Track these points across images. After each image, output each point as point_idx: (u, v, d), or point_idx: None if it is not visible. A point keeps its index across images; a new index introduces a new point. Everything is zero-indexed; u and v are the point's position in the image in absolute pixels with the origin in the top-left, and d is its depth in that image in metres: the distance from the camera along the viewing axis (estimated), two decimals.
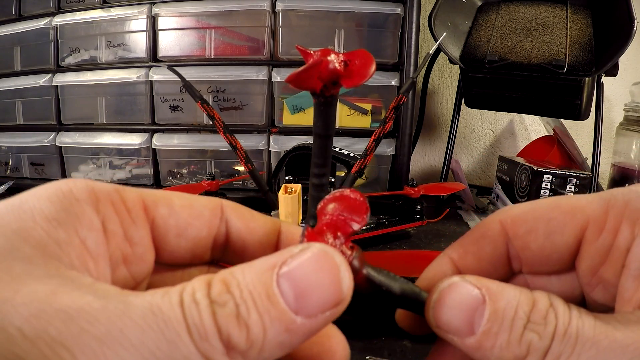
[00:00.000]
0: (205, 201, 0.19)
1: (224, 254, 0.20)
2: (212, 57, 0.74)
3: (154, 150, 0.76)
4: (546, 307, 0.15)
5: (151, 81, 0.74)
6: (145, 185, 0.78)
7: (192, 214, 0.18)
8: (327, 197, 0.17)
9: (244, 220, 0.19)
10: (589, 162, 0.74)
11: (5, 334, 0.12)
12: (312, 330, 0.13)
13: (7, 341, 0.11)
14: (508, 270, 0.20)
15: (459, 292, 0.16)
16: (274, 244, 0.19)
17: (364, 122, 0.74)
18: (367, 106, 0.73)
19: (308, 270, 0.14)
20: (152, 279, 0.19)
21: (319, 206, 0.16)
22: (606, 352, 0.14)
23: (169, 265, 0.19)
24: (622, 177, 0.79)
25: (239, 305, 0.13)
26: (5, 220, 0.14)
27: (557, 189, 0.67)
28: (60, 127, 0.79)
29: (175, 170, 0.78)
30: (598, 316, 0.15)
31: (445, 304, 0.16)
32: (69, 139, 0.78)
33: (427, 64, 0.82)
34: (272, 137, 0.73)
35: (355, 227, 0.16)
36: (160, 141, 0.75)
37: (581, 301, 0.20)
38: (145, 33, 0.74)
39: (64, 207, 0.15)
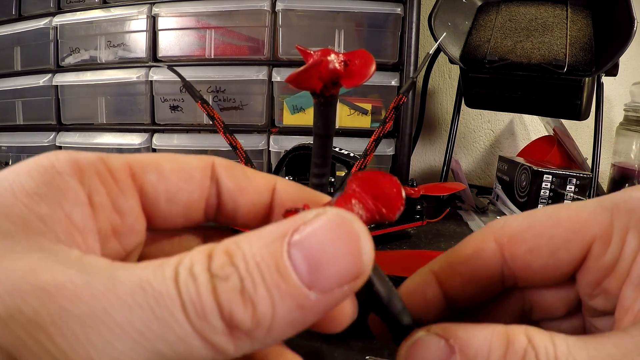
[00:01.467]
0: (196, 162, 0.18)
1: (217, 214, 0.18)
2: (212, 57, 0.74)
3: (154, 150, 0.76)
4: (523, 346, 0.14)
5: (151, 81, 0.74)
6: None
7: (182, 177, 0.17)
8: (359, 174, 0.15)
9: (235, 180, 0.18)
10: (589, 162, 0.74)
11: None
12: (327, 307, 0.12)
13: None
14: (499, 288, 0.19)
15: (425, 348, 0.15)
16: (267, 203, 0.18)
17: (364, 122, 0.74)
18: (367, 106, 0.73)
19: (324, 239, 0.12)
20: (145, 248, 0.18)
21: (348, 180, 0.15)
22: None
23: (162, 232, 0.18)
24: (622, 177, 0.79)
25: (244, 279, 0.11)
26: None
27: (557, 189, 0.67)
28: (60, 127, 0.79)
29: None
30: (590, 345, 0.14)
31: None
32: (69, 139, 0.78)
33: (427, 64, 0.82)
34: (272, 137, 0.73)
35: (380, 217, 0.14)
36: (160, 141, 0.75)
37: (577, 305, 0.19)
38: (145, 33, 0.74)
39: (45, 181, 0.14)
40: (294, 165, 0.57)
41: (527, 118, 1.00)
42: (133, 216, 0.16)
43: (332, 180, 0.55)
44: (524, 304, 0.20)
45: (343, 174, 0.65)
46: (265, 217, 0.18)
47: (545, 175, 0.67)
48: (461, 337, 0.15)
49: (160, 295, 0.11)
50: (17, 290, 0.11)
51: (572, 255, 0.17)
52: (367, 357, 0.31)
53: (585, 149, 0.89)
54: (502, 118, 1.00)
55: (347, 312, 0.16)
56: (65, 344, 0.10)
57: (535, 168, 0.68)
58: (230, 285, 0.11)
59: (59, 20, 0.77)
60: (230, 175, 0.18)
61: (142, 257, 0.18)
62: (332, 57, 0.17)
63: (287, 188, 0.18)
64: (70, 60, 0.78)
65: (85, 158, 0.15)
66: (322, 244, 0.12)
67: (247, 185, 0.18)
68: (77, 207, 0.14)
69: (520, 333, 0.14)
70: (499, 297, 0.20)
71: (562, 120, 0.85)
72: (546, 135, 0.90)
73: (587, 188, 0.66)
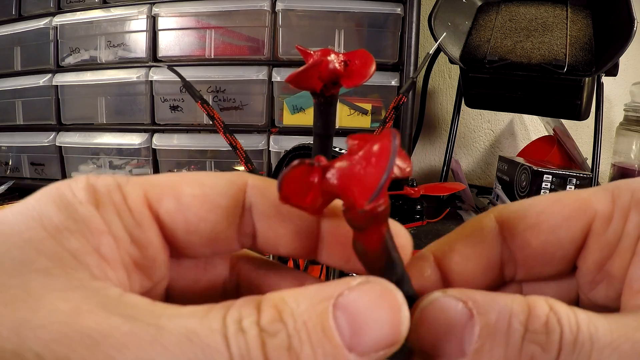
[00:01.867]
0: (223, 186, 0.16)
1: (254, 243, 0.17)
2: (212, 57, 0.74)
3: (154, 150, 0.76)
4: (545, 312, 0.14)
5: (151, 81, 0.74)
6: None
7: (205, 206, 0.15)
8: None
9: (273, 205, 0.16)
10: (589, 162, 0.74)
11: None
12: None
13: None
14: (499, 277, 0.18)
15: (442, 310, 0.14)
16: (314, 230, 0.16)
17: (364, 122, 0.74)
18: (367, 106, 0.73)
19: (368, 306, 0.12)
20: (172, 273, 0.17)
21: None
22: (632, 358, 0.13)
23: (189, 258, 0.17)
24: (622, 177, 0.79)
25: (292, 337, 0.12)
26: (14, 229, 0.13)
27: (557, 189, 0.67)
28: (60, 127, 0.79)
29: (175, 171, 0.78)
30: (609, 317, 0.14)
31: (428, 324, 0.14)
32: (69, 139, 0.78)
33: (427, 64, 0.82)
34: (272, 137, 0.73)
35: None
36: (160, 141, 0.75)
37: (575, 305, 0.19)
38: (145, 33, 0.74)
39: (70, 213, 0.13)
40: None
41: (527, 118, 1.00)
42: (153, 249, 0.15)
43: None
44: None
45: None
46: (311, 246, 0.17)
47: (545, 175, 0.67)
48: (480, 302, 0.14)
49: (208, 348, 0.11)
50: (64, 337, 0.11)
51: (573, 233, 0.17)
52: None
53: (585, 149, 0.89)
54: (502, 118, 1.00)
55: None
56: None
57: (535, 168, 0.68)
58: (279, 342, 0.11)
59: (59, 20, 0.77)
60: (266, 200, 0.16)
61: (170, 285, 0.17)
62: (332, 57, 0.17)
63: (338, 213, 0.16)
64: (70, 60, 0.78)
65: (103, 184, 0.14)
66: (366, 311, 0.12)
67: (289, 210, 0.16)
68: (103, 239, 0.14)
69: (541, 300, 0.14)
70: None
71: (562, 120, 0.85)
72: (546, 135, 0.90)
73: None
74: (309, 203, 0.14)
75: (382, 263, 0.14)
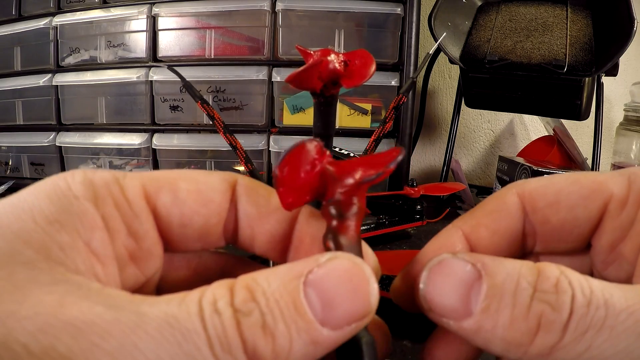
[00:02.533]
0: (216, 182, 0.17)
1: (235, 239, 0.18)
2: (212, 57, 0.74)
3: (154, 150, 0.76)
4: (556, 275, 0.13)
5: (151, 81, 0.74)
6: None
7: (199, 200, 0.16)
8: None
9: (257, 205, 0.17)
10: (589, 162, 0.74)
11: (10, 351, 0.11)
12: (336, 343, 0.13)
13: (12, 359, 0.11)
14: (520, 248, 0.19)
15: (450, 269, 0.14)
16: (287, 234, 0.17)
17: (364, 122, 0.74)
18: (367, 106, 0.73)
19: (337, 280, 0.13)
20: (163, 271, 0.17)
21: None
22: None
23: (179, 253, 0.18)
24: None
25: (265, 314, 0.12)
26: (4, 220, 0.13)
27: None
28: (60, 127, 0.79)
29: None
30: (622, 286, 0.13)
31: (436, 283, 0.14)
32: (69, 139, 0.78)
33: (427, 64, 0.82)
34: (272, 137, 0.73)
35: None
36: (160, 141, 0.75)
37: None
38: (145, 33, 0.74)
39: (64, 207, 0.14)
40: None
41: (527, 118, 1.00)
42: (149, 240, 0.16)
43: None
44: None
45: None
46: (283, 250, 0.18)
47: (545, 175, 0.67)
48: (489, 264, 0.14)
49: (186, 330, 0.11)
50: (49, 327, 0.11)
51: (590, 213, 0.17)
52: None
53: (585, 149, 0.89)
54: (502, 118, 1.00)
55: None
56: None
57: (535, 168, 0.68)
58: (253, 320, 0.12)
59: (59, 20, 0.76)
60: (251, 200, 0.17)
61: (161, 281, 0.18)
62: (332, 57, 0.17)
63: (310, 222, 0.17)
64: (70, 60, 0.78)
65: (101, 179, 0.15)
66: (335, 285, 0.13)
67: (268, 213, 0.17)
68: (95, 233, 0.14)
69: (551, 265, 0.14)
70: None
71: (562, 120, 0.85)
72: (546, 135, 0.90)
73: None
74: (304, 180, 0.15)
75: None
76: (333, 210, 0.15)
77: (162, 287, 0.18)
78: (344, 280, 0.13)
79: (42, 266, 0.12)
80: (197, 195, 0.16)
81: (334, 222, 0.15)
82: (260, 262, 0.20)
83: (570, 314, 0.13)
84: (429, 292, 0.15)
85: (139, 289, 0.16)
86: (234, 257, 0.20)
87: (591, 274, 0.19)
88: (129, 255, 0.15)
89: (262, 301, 0.12)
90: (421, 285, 0.15)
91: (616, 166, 0.80)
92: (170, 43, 0.75)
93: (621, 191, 0.17)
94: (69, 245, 0.13)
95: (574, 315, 0.13)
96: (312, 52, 0.17)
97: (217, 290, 0.12)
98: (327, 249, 0.15)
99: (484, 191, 0.86)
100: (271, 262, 0.23)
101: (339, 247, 0.15)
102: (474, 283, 0.14)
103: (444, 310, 0.14)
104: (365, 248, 0.17)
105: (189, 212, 0.16)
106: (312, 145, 0.15)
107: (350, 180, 0.15)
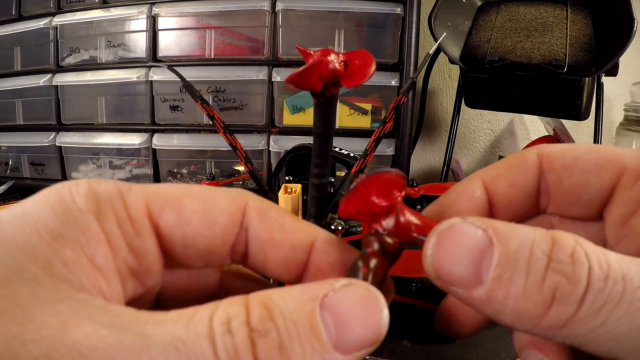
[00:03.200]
0: (225, 203, 0.16)
1: (244, 261, 0.17)
2: (212, 57, 0.74)
3: (154, 150, 0.76)
4: (571, 244, 0.13)
5: (151, 81, 0.74)
6: None
7: (204, 221, 0.16)
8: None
9: (269, 229, 0.16)
10: None
11: None
12: None
13: None
14: (535, 205, 0.19)
15: (460, 235, 0.14)
16: (303, 261, 0.17)
17: (364, 122, 0.74)
18: (367, 106, 0.73)
19: (352, 306, 0.13)
20: (164, 280, 0.17)
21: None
22: None
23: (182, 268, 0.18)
24: None
25: (282, 335, 0.12)
26: (8, 233, 0.13)
27: None
28: (60, 127, 0.79)
29: (175, 170, 0.78)
30: (634, 258, 0.13)
31: (445, 249, 0.14)
32: (69, 139, 0.78)
33: (427, 64, 0.82)
34: (272, 137, 0.73)
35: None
36: (160, 141, 0.75)
37: None
38: (145, 33, 0.74)
39: (68, 220, 0.13)
40: (294, 165, 0.57)
41: (527, 118, 1.00)
42: (150, 258, 0.15)
43: (332, 180, 0.55)
44: None
45: (343, 174, 0.65)
46: (298, 275, 0.17)
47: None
48: (501, 230, 0.13)
49: (194, 355, 0.11)
50: (53, 352, 0.11)
51: (602, 182, 0.17)
52: (367, 357, 0.31)
53: None
54: (502, 118, 1.00)
55: None
56: None
57: None
58: (270, 341, 0.11)
59: (59, 20, 0.76)
60: (263, 224, 0.16)
61: (161, 292, 0.17)
62: (332, 57, 0.17)
63: (327, 249, 0.17)
64: (70, 60, 0.78)
65: (105, 192, 0.15)
66: (350, 310, 0.13)
67: (282, 239, 0.16)
68: (99, 249, 0.14)
69: (566, 235, 0.13)
70: (524, 223, 0.20)
71: (562, 120, 0.85)
72: (546, 135, 0.90)
73: None
74: (375, 205, 0.16)
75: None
76: (376, 245, 0.16)
77: (162, 294, 0.18)
78: (358, 307, 0.13)
79: (46, 283, 0.12)
80: (203, 215, 0.16)
81: (370, 250, 0.16)
82: (262, 275, 0.20)
83: (587, 287, 0.12)
84: (437, 259, 0.14)
85: (139, 299, 0.16)
86: (236, 271, 0.20)
87: (604, 247, 0.19)
88: (129, 270, 0.15)
89: (279, 321, 0.12)
90: (429, 252, 0.14)
91: None
92: (170, 43, 0.75)
93: (636, 165, 0.17)
94: (73, 260, 0.13)
95: (590, 288, 0.12)
96: (312, 52, 0.17)
97: (231, 308, 0.12)
98: (352, 270, 0.15)
99: None
100: (271, 280, 0.23)
101: (366, 270, 0.15)
102: (486, 250, 0.13)
103: (453, 278, 0.14)
104: (388, 281, 0.17)
105: (192, 233, 0.16)
106: (400, 180, 0.16)
107: (407, 233, 0.16)
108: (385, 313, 0.13)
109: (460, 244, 0.14)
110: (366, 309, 0.13)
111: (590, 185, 0.18)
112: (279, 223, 0.17)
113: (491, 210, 0.19)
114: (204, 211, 0.16)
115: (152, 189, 0.16)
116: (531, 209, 0.19)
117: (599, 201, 0.18)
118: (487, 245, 0.13)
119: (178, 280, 0.18)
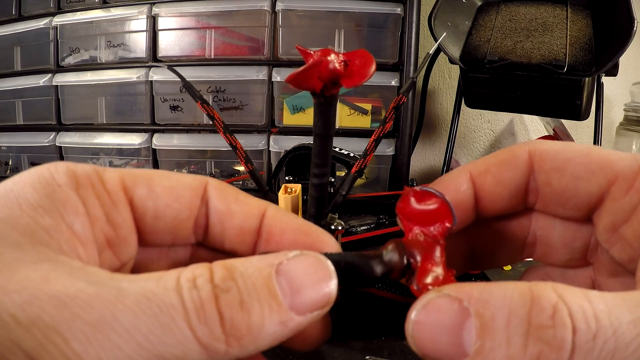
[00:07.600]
0: (188, 180, 0.18)
1: (205, 236, 0.19)
2: (212, 57, 0.74)
3: (154, 150, 0.76)
4: (552, 303, 0.12)
5: (151, 81, 0.74)
6: None
7: (172, 195, 0.18)
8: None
9: (226, 202, 0.18)
10: None
11: (0, 321, 0.12)
12: (299, 327, 0.14)
13: (2, 328, 0.12)
14: (522, 201, 0.20)
15: (437, 313, 0.14)
16: (255, 229, 0.19)
17: (364, 122, 0.74)
18: (367, 106, 0.73)
19: (304, 272, 0.14)
20: (137, 262, 0.18)
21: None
22: None
23: (152, 247, 0.19)
24: None
25: (243, 293, 0.13)
26: None
27: None
28: (60, 127, 0.79)
29: (175, 170, 0.78)
30: (628, 299, 0.12)
31: (425, 329, 0.14)
32: (69, 139, 0.78)
33: (427, 64, 0.82)
34: (272, 137, 0.73)
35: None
36: (160, 141, 0.75)
37: (581, 257, 0.19)
38: (145, 33, 0.74)
39: (48, 194, 0.15)
40: (294, 165, 0.57)
41: (527, 118, 1.00)
42: (126, 228, 0.17)
43: (332, 180, 0.55)
44: (529, 235, 0.20)
45: (343, 174, 0.64)
46: (252, 244, 0.19)
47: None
48: (476, 297, 0.13)
49: (163, 303, 0.12)
50: (35, 299, 0.12)
51: (591, 188, 0.18)
52: (367, 357, 0.31)
53: None
54: (502, 118, 1.00)
55: (318, 334, 0.18)
56: (79, 347, 0.12)
57: None
58: (231, 297, 0.13)
59: (59, 20, 0.76)
60: (221, 197, 0.18)
61: (134, 270, 0.19)
62: (332, 57, 0.17)
63: (277, 216, 0.19)
64: (70, 60, 0.78)
65: (82, 170, 0.16)
66: (303, 276, 0.14)
67: (237, 209, 0.18)
68: (77, 218, 0.15)
69: (547, 289, 0.12)
70: (511, 218, 0.20)
71: (562, 120, 0.85)
72: (546, 135, 0.90)
73: None
74: (422, 211, 0.19)
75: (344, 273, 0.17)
76: (390, 255, 0.18)
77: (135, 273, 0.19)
78: (310, 273, 0.14)
79: (27, 247, 0.13)
80: (171, 190, 0.18)
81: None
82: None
83: (573, 350, 0.11)
84: (419, 340, 0.14)
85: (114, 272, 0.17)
86: (202, 251, 0.21)
87: (595, 246, 0.19)
88: (106, 240, 0.16)
89: (240, 281, 0.13)
90: (409, 332, 0.14)
91: None
92: (170, 43, 0.75)
93: (628, 174, 0.17)
94: (53, 227, 0.14)
95: (577, 351, 0.11)
96: (312, 52, 0.17)
97: (197, 269, 0.14)
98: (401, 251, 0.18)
99: None
100: None
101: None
102: (464, 322, 0.13)
103: (438, 355, 0.13)
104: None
105: (162, 205, 0.18)
106: (448, 210, 0.17)
107: (413, 275, 0.17)
108: (334, 277, 0.15)
109: (438, 322, 0.13)
110: (317, 274, 0.15)
111: (580, 190, 0.18)
112: (234, 197, 0.19)
113: (477, 205, 0.20)
114: (171, 187, 0.18)
115: (125, 170, 0.18)
116: (518, 205, 0.20)
117: (586, 206, 0.18)
118: (465, 316, 0.13)
119: (150, 263, 0.19)
